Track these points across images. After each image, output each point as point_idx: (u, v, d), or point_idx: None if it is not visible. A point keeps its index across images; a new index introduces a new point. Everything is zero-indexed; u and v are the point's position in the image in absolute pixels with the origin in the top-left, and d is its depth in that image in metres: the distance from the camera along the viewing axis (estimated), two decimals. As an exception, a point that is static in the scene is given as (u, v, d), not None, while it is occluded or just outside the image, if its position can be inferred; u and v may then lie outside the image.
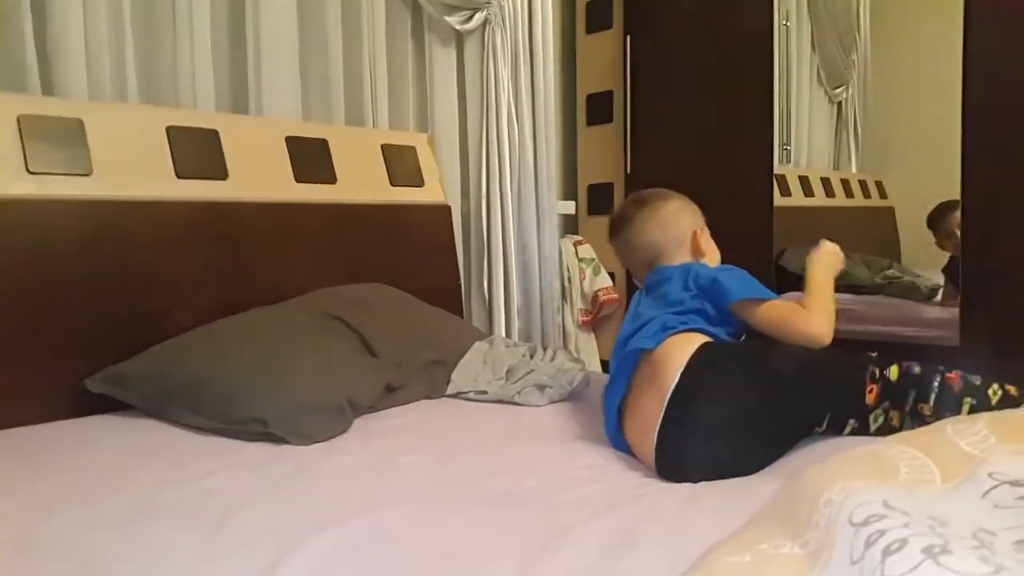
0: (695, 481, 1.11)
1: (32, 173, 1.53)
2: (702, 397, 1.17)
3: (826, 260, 1.45)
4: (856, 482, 0.57)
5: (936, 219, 2.45)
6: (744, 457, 1.15)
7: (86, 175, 1.60)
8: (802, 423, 1.21)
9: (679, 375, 1.19)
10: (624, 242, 1.54)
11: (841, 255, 1.49)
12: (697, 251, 1.51)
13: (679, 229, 1.51)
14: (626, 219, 1.53)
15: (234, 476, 1.15)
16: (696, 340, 1.25)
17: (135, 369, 1.52)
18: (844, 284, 2.68)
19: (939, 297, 2.47)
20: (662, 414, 1.17)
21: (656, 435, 1.17)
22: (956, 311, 2.16)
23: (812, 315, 1.32)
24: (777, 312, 1.32)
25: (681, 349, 1.23)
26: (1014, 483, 0.61)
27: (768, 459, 1.17)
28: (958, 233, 2.17)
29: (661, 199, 1.54)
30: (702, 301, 1.34)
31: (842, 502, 0.54)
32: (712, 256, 1.53)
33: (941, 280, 2.47)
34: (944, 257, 2.40)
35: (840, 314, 2.63)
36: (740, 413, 1.16)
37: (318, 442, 1.32)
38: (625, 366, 1.31)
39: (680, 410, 1.17)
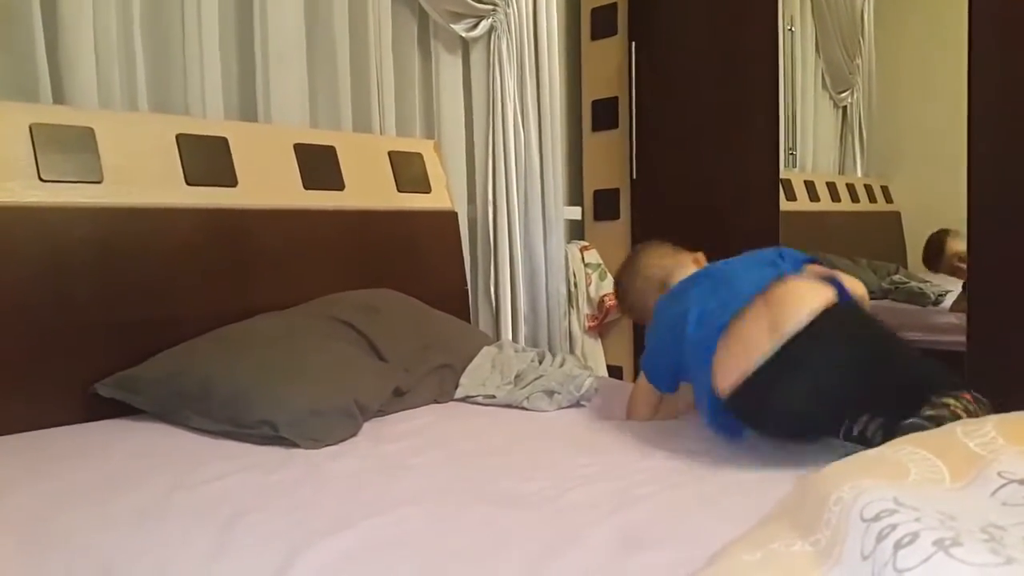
0: (758, 427, 1.19)
1: (44, 181, 1.54)
2: (820, 350, 1.15)
3: None
4: (866, 481, 0.58)
5: (934, 258, 2.45)
6: (819, 422, 1.16)
7: (97, 183, 1.61)
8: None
9: (809, 320, 1.15)
10: (628, 291, 1.67)
11: None
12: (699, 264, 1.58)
13: (671, 259, 1.64)
14: (624, 290, 1.69)
15: (244, 479, 1.15)
16: (827, 291, 1.21)
17: (145, 374, 1.53)
18: (851, 289, 2.69)
19: (947, 303, 2.47)
20: (774, 349, 1.15)
21: (755, 366, 1.15)
22: (964, 316, 2.15)
23: None
24: None
25: (815, 293, 1.20)
26: (1022, 482, 0.62)
27: (828, 432, 1.19)
28: (963, 267, 2.17)
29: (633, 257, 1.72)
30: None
31: (853, 500, 0.55)
32: None
33: (948, 285, 2.47)
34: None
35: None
36: (845, 379, 1.15)
37: (327, 445, 1.33)
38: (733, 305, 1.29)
39: (794, 353, 1.14)
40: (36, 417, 1.47)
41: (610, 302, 2.74)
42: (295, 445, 1.32)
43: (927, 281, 2.60)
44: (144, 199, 1.68)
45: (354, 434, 1.39)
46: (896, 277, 2.68)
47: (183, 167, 1.74)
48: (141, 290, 1.65)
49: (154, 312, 1.66)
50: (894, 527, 0.48)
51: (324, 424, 1.35)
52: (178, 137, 1.75)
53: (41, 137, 1.55)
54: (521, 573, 0.82)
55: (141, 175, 1.68)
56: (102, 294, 1.60)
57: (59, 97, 1.67)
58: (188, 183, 1.75)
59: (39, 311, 1.52)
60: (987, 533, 0.49)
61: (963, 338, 2.14)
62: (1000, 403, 1.07)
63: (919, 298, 2.56)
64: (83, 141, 1.61)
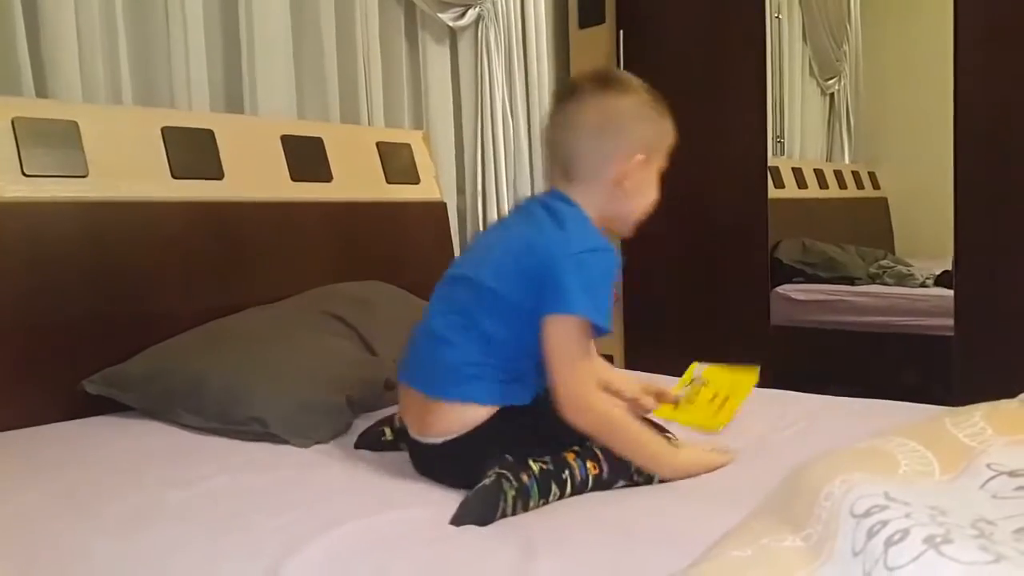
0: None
1: (27, 176, 1.52)
2: None
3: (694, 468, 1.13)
4: (857, 475, 0.58)
5: None
6: None
7: (82, 177, 1.60)
8: None
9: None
10: (555, 123, 1.17)
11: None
12: (619, 188, 1.13)
13: (616, 139, 1.13)
14: (575, 94, 1.16)
15: (236, 478, 1.15)
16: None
17: (133, 370, 1.52)
18: (839, 276, 2.71)
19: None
20: None
21: None
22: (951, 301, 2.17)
23: (582, 389, 1.06)
24: (563, 344, 1.05)
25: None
26: (1012, 473, 0.62)
27: None
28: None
29: (624, 89, 1.16)
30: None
31: (843, 495, 0.55)
32: (637, 203, 1.17)
33: (935, 269, 2.49)
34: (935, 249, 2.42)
35: (836, 306, 2.67)
36: None
37: (319, 442, 1.32)
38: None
39: None
40: (23, 415, 1.45)
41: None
42: (285, 441, 1.31)
43: (914, 266, 2.63)
44: (130, 193, 1.66)
45: (345, 430, 1.39)
46: (884, 262, 2.70)
47: (169, 160, 1.73)
48: (128, 285, 1.64)
49: (141, 307, 1.65)
50: (885, 523, 0.49)
51: (315, 421, 1.34)
52: (163, 130, 1.74)
53: (24, 131, 1.53)
54: (512, 571, 0.82)
55: (126, 169, 1.67)
56: (88, 289, 1.58)
57: (42, 91, 1.65)
58: (174, 176, 1.73)
59: (24, 307, 1.50)
60: (977, 529, 0.50)
61: (950, 321, 2.16)
62: (988, 389, 1.07)
63: (907, 282, 2.58)
64: (67, 135, 1.59)
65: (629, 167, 1.13)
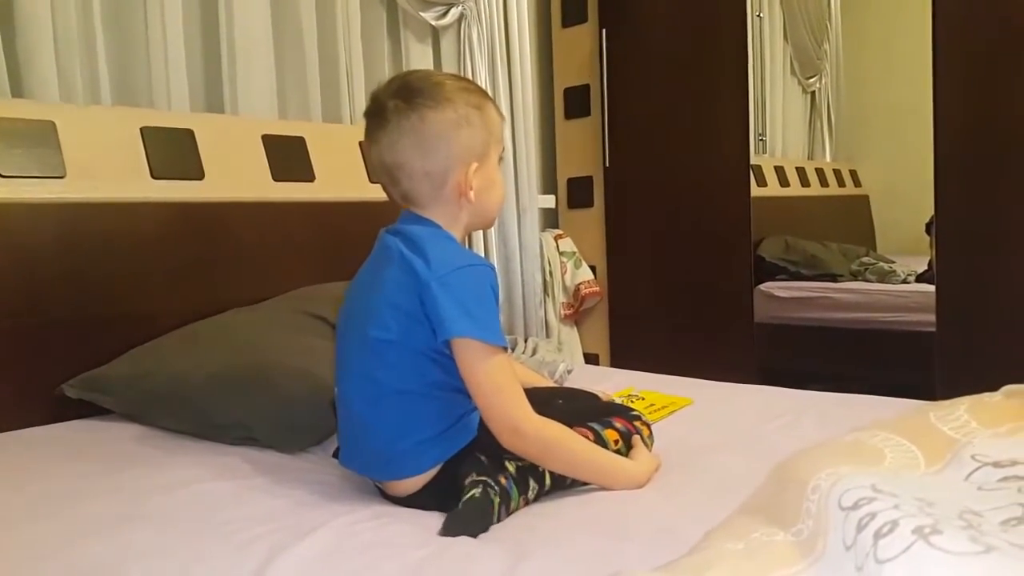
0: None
1: (4, 177, 1.50)
2: None
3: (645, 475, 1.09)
4: (843, 468, 0.58)
5: None
6: None
7: (60, 178, 1.57)
8: None
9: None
10: (374, 154, 1.10)
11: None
12: (463, 195, 1.07)
13: (445, 157, 1.05)
14: (384, 120, 1.06)
15: (218, 482, 1.13)
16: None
17: (113, 374, 1.50)
18: (822, 273, 2.73)
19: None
20: None
21: None
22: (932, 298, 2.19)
23: (507, 412, 1.00)
24: (473, 371, 0.99)
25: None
26: (996, 464, 0.63)
27: None
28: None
29: (434, 101, 1.05)
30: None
31: (830, 488, 0.55)
32: (489, 201, 1.11)
33: (917, 267, 2.51)
34: (916, 246, 2.44)
35: (818, 303, 2.69)
36: None
37: (302, 446, 1.31)
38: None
39: None
40: (1, 419, 1.43)
41: (585, 290, 2.75)
42: (269, 446, 1.30)
43: (895, 262, 2.65)
44: (109, 194, 1.64)
45: (330, 433, 1.37)
46: (866, 259, 2.72)
47: (148, 160, 1.71)
48: (108, 287, 1.62)
49: (121, 309, 1.63)
50: (873, 515, 0.49)
51: (298, 425, 1.32)
52: (143, 130, 1.71)
53: (0, 132, 1.51)
54: (503, 571, 0.82)
55: (105, 169, 1.64)
56: (67, 292, 1.56)
57: (17, 90, 1.62)
58: (154, 177, 1.71)
59: (2, 310, 1.48)
60: (964, 520, 0.50)
61: (932, 317, 2.17)
62: (970, 384, 1.08)
63: (889, 279, 2.61)
64: (44, 135, 1.57)
65: (468, 178, 1.06)
